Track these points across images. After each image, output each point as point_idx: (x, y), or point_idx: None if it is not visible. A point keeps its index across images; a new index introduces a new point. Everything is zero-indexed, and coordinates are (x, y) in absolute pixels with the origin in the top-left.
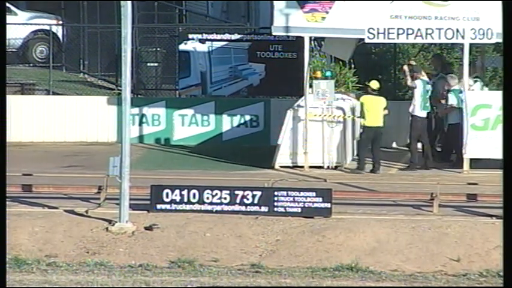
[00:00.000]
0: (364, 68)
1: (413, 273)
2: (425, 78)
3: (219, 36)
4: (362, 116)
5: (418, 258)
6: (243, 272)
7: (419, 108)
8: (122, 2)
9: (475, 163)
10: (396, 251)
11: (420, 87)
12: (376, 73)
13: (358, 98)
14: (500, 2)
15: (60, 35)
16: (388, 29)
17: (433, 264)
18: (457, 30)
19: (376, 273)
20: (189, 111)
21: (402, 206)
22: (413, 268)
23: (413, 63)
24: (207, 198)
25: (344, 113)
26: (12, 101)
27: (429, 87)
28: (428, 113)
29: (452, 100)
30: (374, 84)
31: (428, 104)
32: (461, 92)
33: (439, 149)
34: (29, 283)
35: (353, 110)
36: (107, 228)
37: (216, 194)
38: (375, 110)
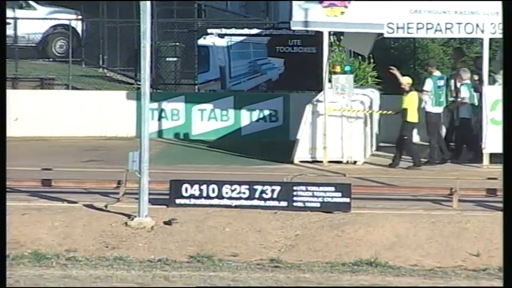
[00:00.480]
0: (383, 62)
1: (433, 268)
2: (438, 73)
3: (238, 31)
4: (405, 112)
5: (437, 253)
6: (262, 267)
7: (431, 104)
8: (141, 2)
9: (495, 158)
10: (416, 245)
11: (430, 83)
12: (395, 68)
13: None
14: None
15: (79, 29)
16: (408, 23)
17: (452, 259)
18: (477, 25)
19: (395, 268)
20: (208, 106)
21: (422, 201)
22: (433, 263)
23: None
24: (226, 193)
25: (364, 108)
26: (32, 96)
27: (442, 82)
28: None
29: (464, 93)
30: (409, 80)
31: (442, 99)
32: (473, 86)
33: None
34: (49, 277)
35: (371, 104)
36: (126, 223)
37: (235, 189)
38: (416, 106)
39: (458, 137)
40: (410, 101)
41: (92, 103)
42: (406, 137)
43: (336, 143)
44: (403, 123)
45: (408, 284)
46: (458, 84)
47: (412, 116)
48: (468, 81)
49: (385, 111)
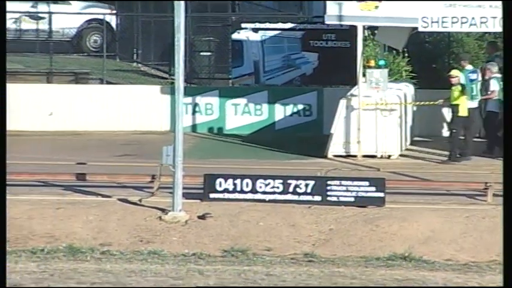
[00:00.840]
0: (417, 57)
1: (468, 263)
2: (470, 67)
3: (272, 25)
4: (456, 107)
5: (472, 247)
6: (296, 261)
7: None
8: (175, 2)
9: None
10: (450, 240)
11: (462, 78)
12: (429, 62)
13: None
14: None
15: (113, 24)
16: (442, 17)
17: (487, 253)
18: None
19: (429, 262)
20: (242, 101)
21: (456, 196)
22: (468, 257)
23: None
24: (260, 187)
25: (400, 101)
26: (66, 90)
27: (474, 76)
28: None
29: (494, 86)
30: (458, 73)
31: (475, 93)
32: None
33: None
34: (83, 271)
35: (405, 98)
36: (160, 217)
37: (269, 183)
38: (466, 99)
39: (489, 131)
40: (461, 96)
41: (126, 97)
42: (455, 131)
43: (370, 137)
44: (453, 117)
45: (442, 279)
46: (487, 78)
47: (463, 111)
48: (498, 75)
49: (433, 102)
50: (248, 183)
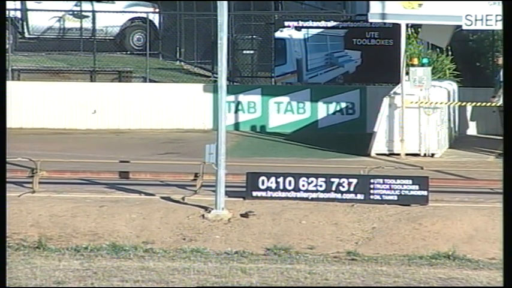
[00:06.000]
0: (461, 55)
1: None
2: None
3: (315, 24)
4: None
5: None
6: (339, 260)
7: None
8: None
9: None
10: (494, 239)
11: (501, 75)
12: (473, 60)
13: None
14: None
15: (157, 22)
16: (486, 15)
17: None
18: None
19: (473, 261)
20: (285, 99)
21: (500, 194)
22: None
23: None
24: (303, 185)
25: (448, 99)
26: (110, 89)
27: None
28: None
29: None
30: None
31: None
32: None
33: None
34: (126, 269)
35: (449, 96)
36: (203, 215)
37: (312, 182)
38: None
39: None
40: None
41: (169, 96)
42: None
43: (413, 136)
44: None
45: (486, 277)
46: None
47: None
48: None
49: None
50: (291, 182)
